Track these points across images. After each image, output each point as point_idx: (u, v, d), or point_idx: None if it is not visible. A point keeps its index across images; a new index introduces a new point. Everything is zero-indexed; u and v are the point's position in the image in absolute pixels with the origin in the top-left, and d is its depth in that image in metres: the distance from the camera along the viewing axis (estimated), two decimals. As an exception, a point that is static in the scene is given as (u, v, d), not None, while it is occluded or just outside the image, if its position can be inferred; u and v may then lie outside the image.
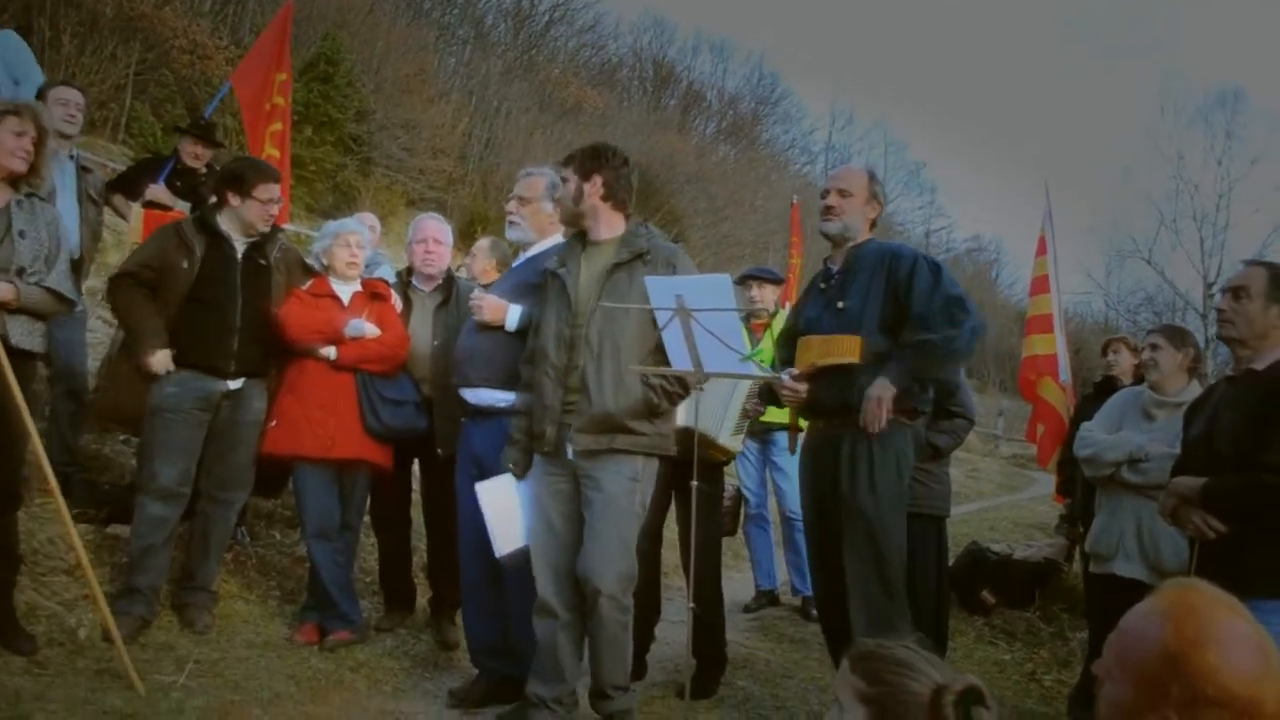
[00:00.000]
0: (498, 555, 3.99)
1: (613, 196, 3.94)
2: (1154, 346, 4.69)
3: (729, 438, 4.68)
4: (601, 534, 3.72)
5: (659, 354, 3.77)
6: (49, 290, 4.01)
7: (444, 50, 32.03)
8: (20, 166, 4.02)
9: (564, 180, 3.97)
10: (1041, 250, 8.69)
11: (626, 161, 3.99)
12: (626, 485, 3.77)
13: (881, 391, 3.79)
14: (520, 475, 4.01)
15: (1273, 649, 1.55)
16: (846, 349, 3.98)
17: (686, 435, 4.02)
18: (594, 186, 3.90)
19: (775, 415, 6.24)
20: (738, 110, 49.07)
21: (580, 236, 4.03)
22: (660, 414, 3.86)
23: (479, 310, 4.29)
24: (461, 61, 32.27)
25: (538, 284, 4.07)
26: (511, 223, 4.50)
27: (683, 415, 4.38)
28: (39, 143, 4.07)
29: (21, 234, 3.97)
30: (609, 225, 3.96)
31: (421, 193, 23.99)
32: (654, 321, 3.72)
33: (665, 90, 45.54)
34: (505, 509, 3.98)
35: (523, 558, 3.98)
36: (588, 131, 31.03)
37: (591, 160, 3.92)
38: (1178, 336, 4.74)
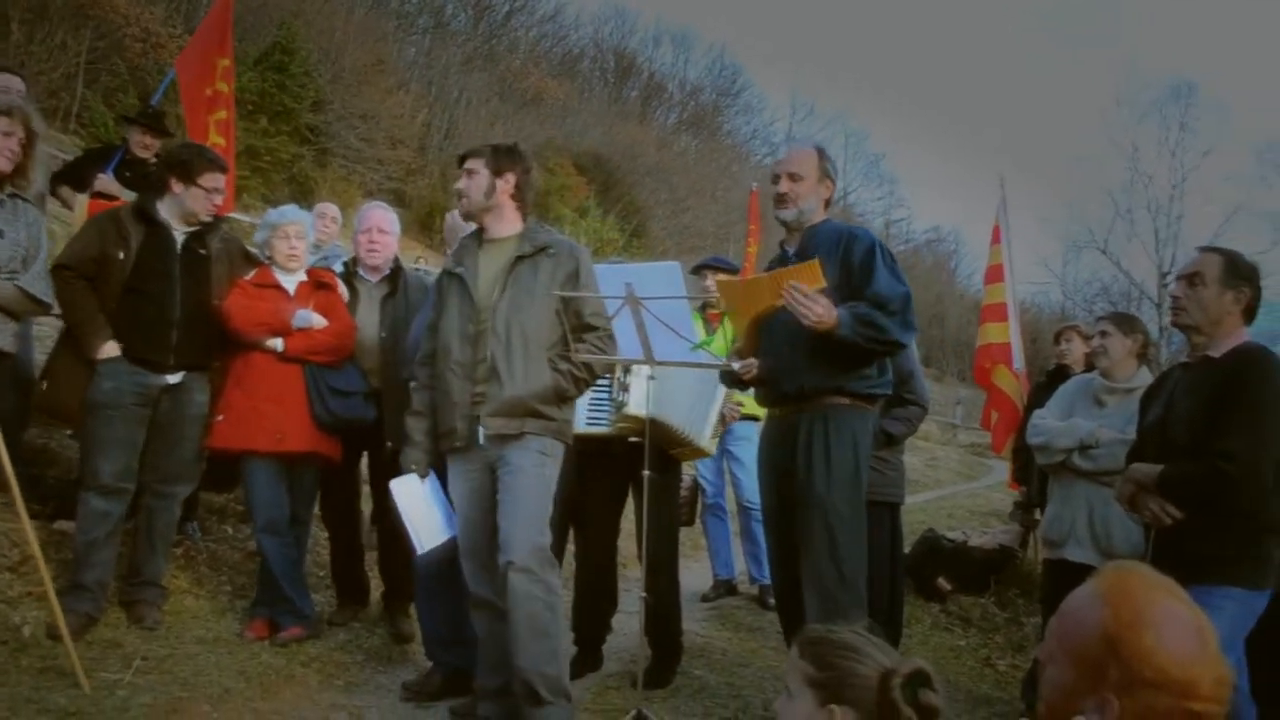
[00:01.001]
0: (420, 552, 3.95)
1: (520, 197, 3.98)
2: (1103, 334, 4.74)
3: (708, 440, 4.69)
4: (512, 506, 3.69)
5: (564, 344, 3.80)
6: (22, 290, 3.98)
7: (403, 40, 31.88)
8: (5, 166, 4.01)
9: (470, 173, 3.93)
10: (996, 239, 8.77)
11: (530, 169, 4.04)
12: (535, 459, 3.76)
13: (826, 311, 3.61)
14: (423, 475, 3.99)
15: (1210, 632, 1.56)
16: (806, 276, 3.71)
17: (652, 426, 4.02)
18: (506, 184, 3.92)
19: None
20: (699, 101, 49.27)
21: (477, 235, 4.03)
22: (568, 400, 3.89)
23: None
24: (421, 51, 32.15)
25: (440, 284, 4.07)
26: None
27: (641, 405, 4.38)
28: (27, 144, 4.06)
29: (0, 233, 3.94)
30: (509, 223, 3.98)
31: (380, 183, 23.88)
32: (559, 311, 3.79)
33: (626, 81, 45.61)
34: (421, 505, 3.95)
35: (444, 552, 3.95)
36: (549, 122, 31.07)
37: (506, 158, 3.94)
38: (1126, 323, 4.79)
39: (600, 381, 4.33)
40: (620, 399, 4.50)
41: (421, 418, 3.98)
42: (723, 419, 4.73)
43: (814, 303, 3.61)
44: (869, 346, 3.73)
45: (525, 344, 3.76)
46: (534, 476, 3.74)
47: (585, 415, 4.56)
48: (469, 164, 3.96)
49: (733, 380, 4.24)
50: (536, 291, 3.78)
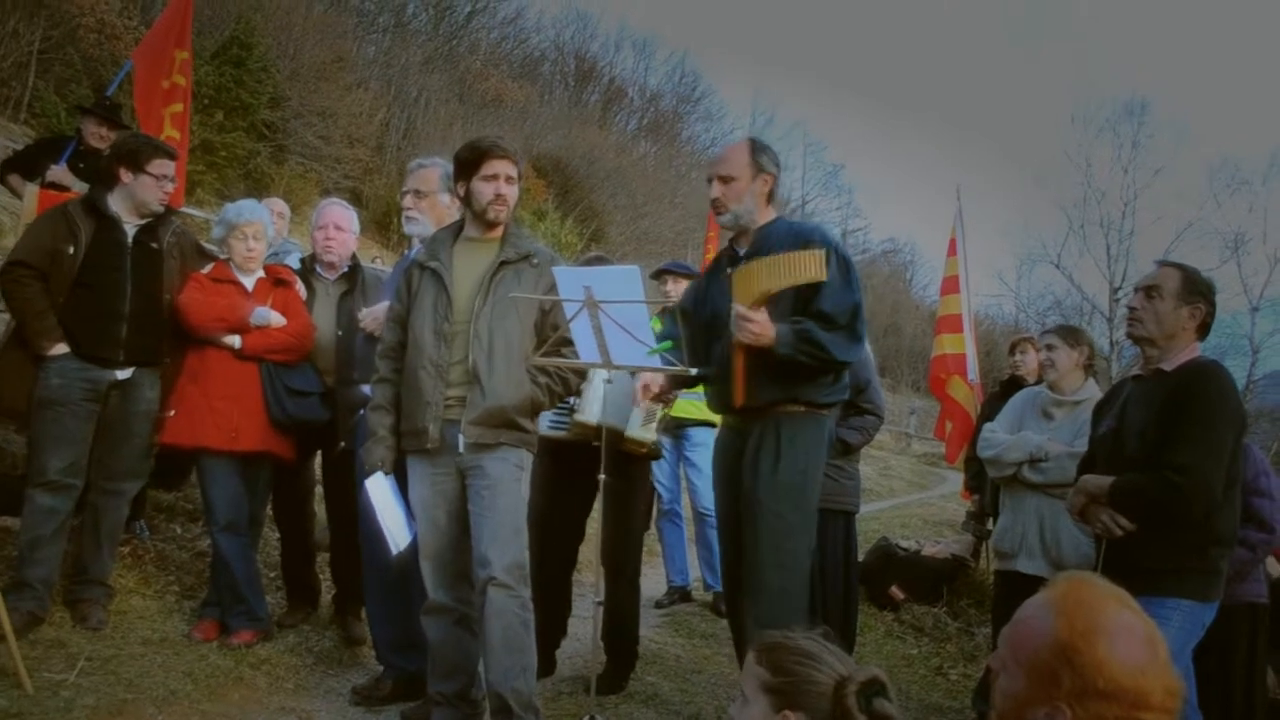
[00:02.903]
0: (394, 552, 3.90)
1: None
2: (1050, 347, 4.79)
3: (639, 429, 4.65)
4: (490, 520, 3.66)
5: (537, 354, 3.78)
6: None
7: (363, 37, 31.64)
8: None
9: (510, 179, 3.82)
10: (952, 251, 8.87)
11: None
12: (513, 472, 3.74)
13: (763, 328, 3.60)
14: (388, 473, 3.89)
15: (1161, 643, 1.58)
16: (807, 268, 3.62)
17: (600, 430, 4.00)
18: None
19: (689, 410, 6.29)
20: (659, 107, 49.28)
21: (452, 230, 3.98)
22: (539, 412, 3.90)
23: (371, 328, 4.35)
24: (381, 50, 31.89)
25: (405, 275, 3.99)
26: (409, 218, 4.42)
27: (596, 411, 4.37)
28: None
29: None
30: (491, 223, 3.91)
31: (337, 182, 23.68)
32: (537, 322, 3.78)
33: (587, 85, 45.51)
34: (391, 505, 3.89)
35: (413, 551, 3.92)
36: (508, 124, 30.93)
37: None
38: (1072, 336, 4.84)
39: None
40: (572, 403, 4.48)
41: (386, 413, 3.87)
42: (655, 400, 4.64)
43: (748, 321, 3.60)
44: (810, 362, 3.68)
45: (508, 353, 3.72)
46: (512, 491, 3.72)
47: (549, 418, 4.55)
48: (512, 170, 3.83)
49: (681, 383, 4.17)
50: (521, 301, 3.74)
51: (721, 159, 4.03)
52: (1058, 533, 4.49)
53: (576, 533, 5.00)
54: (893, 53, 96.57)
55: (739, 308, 3.64)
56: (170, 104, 6.60)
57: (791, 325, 3.65)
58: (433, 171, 4.42)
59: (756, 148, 3.98)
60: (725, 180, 3.92)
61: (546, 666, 4.87)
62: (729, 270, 3.91)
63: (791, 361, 3.66)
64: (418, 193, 4.41)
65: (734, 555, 3.99)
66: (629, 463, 4.74)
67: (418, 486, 3.83)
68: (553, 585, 4.91)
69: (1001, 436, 4.78)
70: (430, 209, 4.38)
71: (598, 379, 4.36)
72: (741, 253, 3.97)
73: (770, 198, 3.99)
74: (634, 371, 3.84)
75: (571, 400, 4.46)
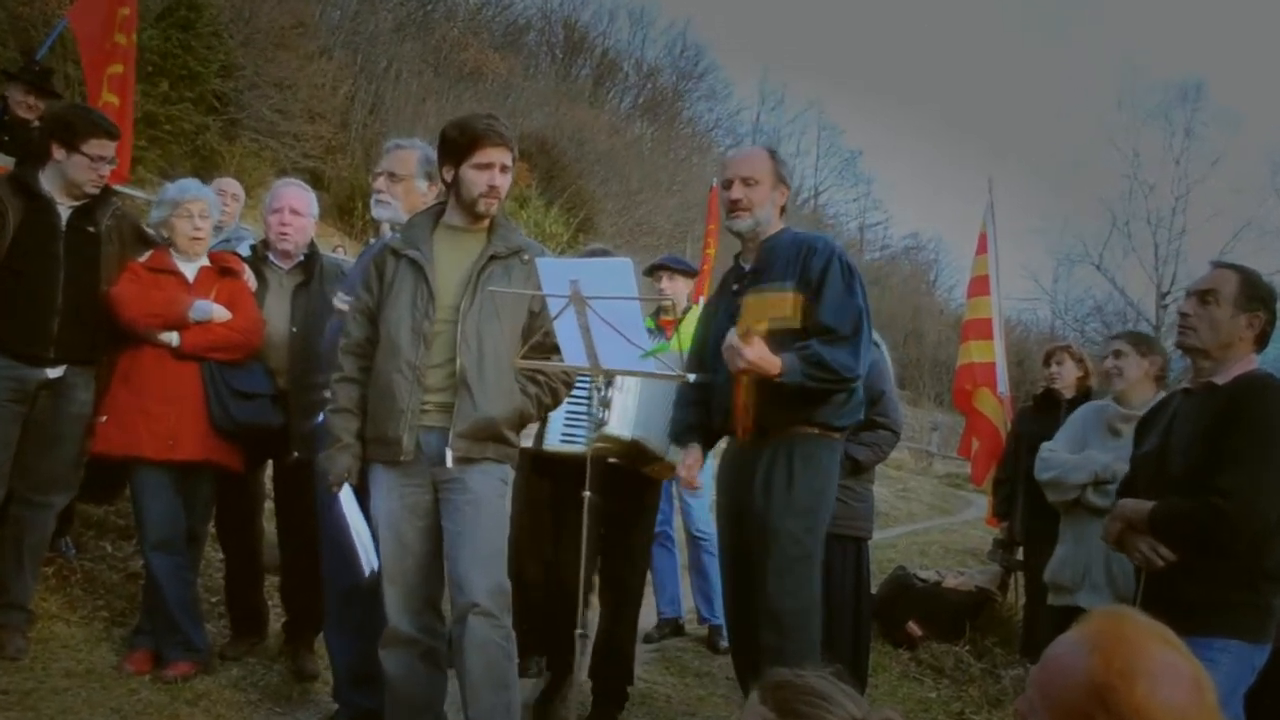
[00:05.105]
0: (368, 571, 3.86)
1: None
2: (1118, 354, 4.75)
3: (679, 454, 4.68)
4: (472, 539, 3.64)
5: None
6: None
7: (326, 1, 31.57)
8: None
9: (505, 168, 3.83)
10: (982, 248, 8.84)
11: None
12: (498, 489, 3.73)
13: (764, 360, 3.74)
14: (354, 483, 3.85)
15: (1208, 685, 1.57)
16: (776, 307, 3.88)
17: (630, 446, 3.99)
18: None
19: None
20: (657, 84, 49.25)
21: (431, 215, 3.97)
22: (526, 424, 3.92)
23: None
24: (346, 15, 31.78)
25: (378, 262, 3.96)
26: (380, 201, 4.41)
27: (625, 426, 4.37)
28: None
29: None
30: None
31: (295, 161, 23.57)
32: (525, 325, 3.80)
33: (577, 58, 45.51)
34: (360, 520, 3.84)
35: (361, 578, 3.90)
36: (488, 100, 30.88)
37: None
38: (1144, 343, 4.80)
39: (577, 392, 4.33)
40: (600, 416, 4.45)
41: (351, 416, 3.83)
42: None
43: (739, 354, 3.72)
44: (821, 386, 3.81)
45: (498, 358, 3.71)
46: (496, 509, 3.72)
47: (560, 430, 4.55)
48: (508, 158, 3.85)
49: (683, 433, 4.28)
50: (509, 300, 3.73)
51: (743, 160, 4.17)
52: (1125, 563, 4.36)
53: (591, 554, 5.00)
54: (915, 29, 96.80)
55: (731, 337, 3.78)
56: (110, 64, 6.57)
57: (797, 352, 3.78)
58: (411, 154, 4.41)
59: (776, 157, 4.15)
60: (748, 183, 4.05)
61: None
62: (734, 287, 4.13)
63: (802, 389, 3.79)
64: (392, 175, 4.40)
65: (740, 589, 4.05)
66: (644, 486, 4.74)
67: (384, 500, 3.79)
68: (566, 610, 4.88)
69: (1062, 456, 4.74)
70: (404, 194, 4.37)
71: (626, 389, 4.38)
72: (747, 268, 4.13)
73: (782, 212, 4.15)
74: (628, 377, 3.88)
75: (598, 411, 4.44)
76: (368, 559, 3.86)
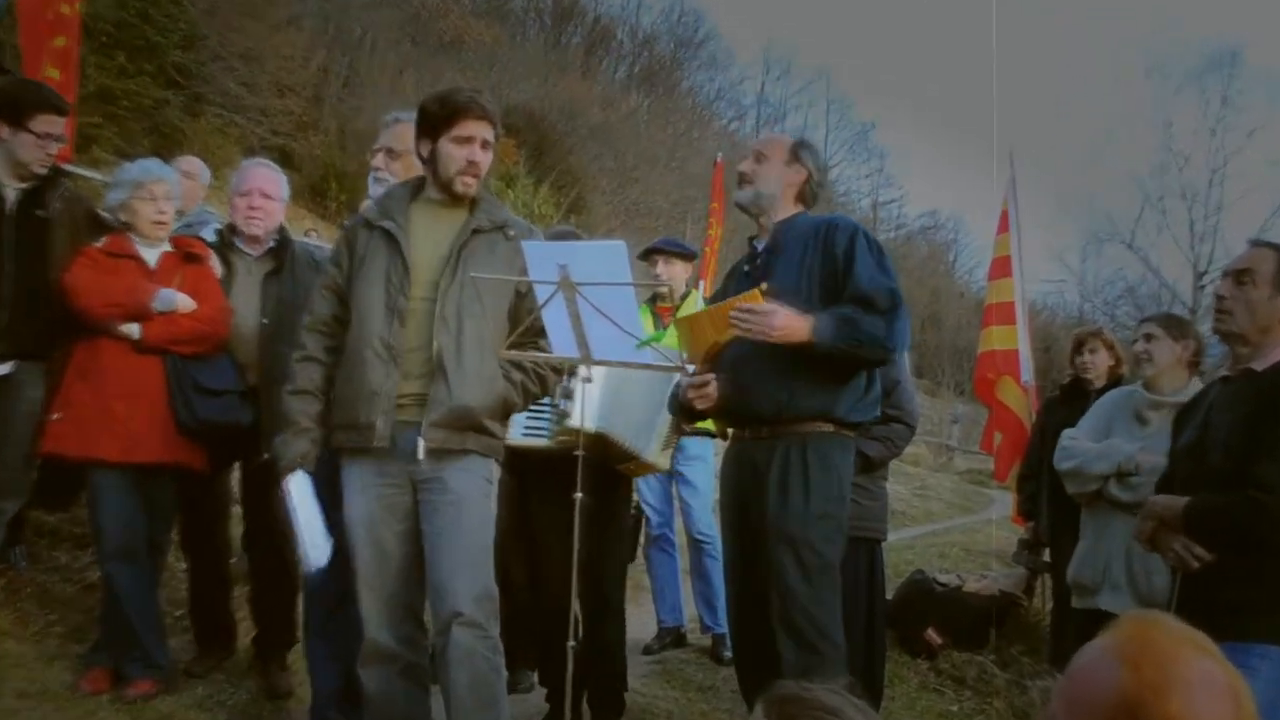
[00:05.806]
0: (311, 570, 3.80)
1: None
2: (1148, 337, 4.74)
3: (657, 454, 4.66)
4: (455, 543, 3.63)
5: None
6: None
7: (296, -35, 31.51)
8: None
9: (486, 144, 3.84)
10: (1004, 227, 8.81)
11: None
12: (482, 487, 3.73)
13: (788, 322, 3.72)
14: (310, 471, 3.80)
15: (1246, 695, 1.57)
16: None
17: (598, 440, 3.99)
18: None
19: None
20: (653, 52, 49.27)
21: (410, 187, 3.96)
22: (510, 414, 3.91)
23: None
24: (318, -20, 31.78)
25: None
26: (379, 179, 4.40)
27: (589, 417, 4.35)
28: None
29: None
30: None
31: (264, 139, 23.53)
32: (512, 306, 3.79)
33: (567, 25, 45.44)
34: (312, 512, 3.78)
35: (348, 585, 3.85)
36: (471, 71, 30.86)
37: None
38: (1176, 326, 4.80)
39: None
40: (563, 407, 4.45)
41: (311, 398, 3.81)
42: (678, 426, 4.67)
43: (767, 316, 3.70)
44: (856, 354, 3.79)
45: (480, 341, 3.70)
46: (480, 509, 3.71)
47: (523, 424, 4.53)
48: (489, 133, 3.85)
49: (685, 410, 4.22)
50: (481, 280, 3.70)
51: (761, 140, 4.43)
52: (1149, 562, 4.32)
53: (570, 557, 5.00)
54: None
55: (745, 307, 3.76)
56: (53, 37, 6.54)
57: (829, 312, 3.78)
58: (410, 128, 4.40)
59: (801, 143, 4.26)
60: (760, 158, 4.19)
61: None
62: (746, 268, 4.21)
63: (833, 357, 3.77)
64: (391, 151, 4.40)
65: (746, 596, 4.06)
66: (614, 479, 4.73)
67: (358, 499, 3.76)
68: (556, 620, 4.89)
69: (1084, 445, 4.73)
70: (404, 171, 4.35)
71: (595, 373, 4.36)
72: (760, 248, 4.18)
73: (800, 197, 4.21)
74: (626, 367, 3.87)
75: (560, 401, 4.43)
76: (308, 556, 3.77)
